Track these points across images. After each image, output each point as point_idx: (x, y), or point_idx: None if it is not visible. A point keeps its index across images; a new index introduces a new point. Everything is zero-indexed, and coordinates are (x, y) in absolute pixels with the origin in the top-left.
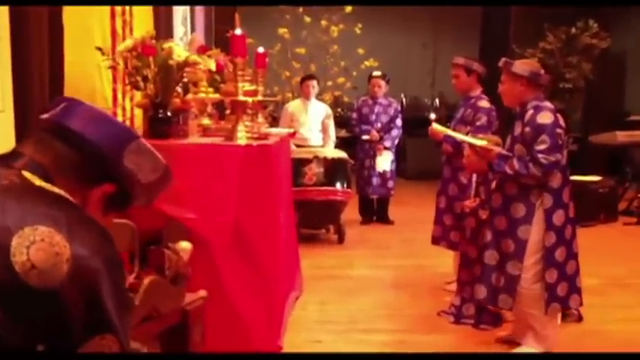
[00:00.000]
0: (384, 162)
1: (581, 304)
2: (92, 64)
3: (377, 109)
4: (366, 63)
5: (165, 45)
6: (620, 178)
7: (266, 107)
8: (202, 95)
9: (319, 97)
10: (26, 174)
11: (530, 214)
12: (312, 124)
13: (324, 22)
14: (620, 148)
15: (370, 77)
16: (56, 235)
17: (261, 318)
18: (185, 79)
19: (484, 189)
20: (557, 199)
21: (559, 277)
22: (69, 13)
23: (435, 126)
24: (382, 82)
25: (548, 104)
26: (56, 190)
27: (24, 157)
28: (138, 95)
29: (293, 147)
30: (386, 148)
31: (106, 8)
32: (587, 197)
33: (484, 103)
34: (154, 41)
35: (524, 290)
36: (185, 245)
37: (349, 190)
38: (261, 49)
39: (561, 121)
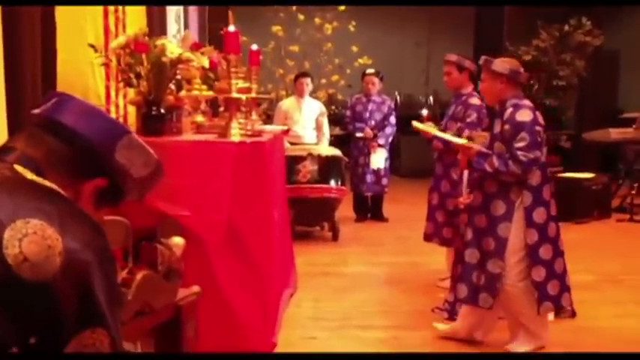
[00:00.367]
0: (378, 159)
1: (571, 302)
2: (85, 61)
3: (371, 106)
4: (360, 61)
5: (159, 42)
6: (614, 175)
7: (260, 105)
8: (196, 92)
9: (313, 94)
10: (18, 168)
11: (510, 211)
12: (306, 122)
13: (317, 20)
14: (613, 145)
15: (364, 75)
16: (48, 229)
17: (255, 315)
18: (178, 77)
19: None
20: (537, 196)
21: (548, 275)
22: (61, 10)
23: (415, 124)
24: (376, 80)
25: (527, 102)
26: (48, 183)
27: (16, 151)
28: (131, 92)
29: (287, 144)
30: (380, 146)
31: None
32: (580, 194)
33: (475, 100)
34: (146, 38)
35: (510, 288)
36: (178, 240)
37: (343, 187)
38: (254, 47)
39: (540, 119)
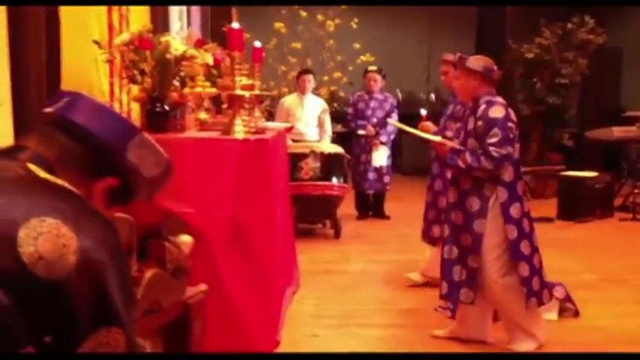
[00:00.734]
0: (380, 157)
1: (550, 298)
2: (89, 58)
3: (373, 104)
4: (362, 58)
5: (163, 39)
6: (617, 173)
7: (262, 102)
8: (199, 89)
9: (315, 91)
10: (31, 166)
11: (484, 207)
12: (309, 119)
13: (320, 17)
14: (616, 144)
15: (366, 72)
16: (63, 227)
17: (258, 313)
18: (182, 73)
19: None
20: (512, 192)
21: (531, 270)
22: (66, 7)
23: (390, 121)
24: (378, 77)
25: (499, 99)
26: (60, 182)
27: (28, 150)
28: (135, 89)
29: (289, 142)
30: (382, 143)
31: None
32: (583, 193)
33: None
34: (151, 35)
35: (493, 284)
36: (186, 238)
37: (345, 185)
38: (257, 44)
39: (513, 116)
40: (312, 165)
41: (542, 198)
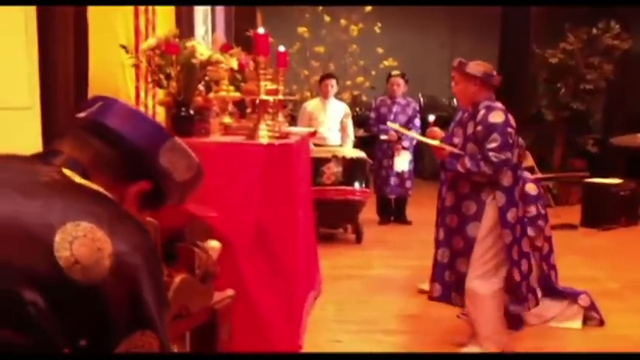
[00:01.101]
0: (402, 162)
1: (536, 304)
2: (116, 62)
3: (395, 108)
4: (385, 62)
5: (189, 44)
6: None
7: (286, 106)
8: (224, 94)
9: (337, 96)
10: (66, 171)
11: (480, 211)
12: (331, 124)
13: (343, 22)
14: None
15: (389, 76)
16: (98, 231)
17: (281, 317)
18: (207, 78)
19: None
20: (510, 197)
21: (521, 276)
22: (93, 12)
23: (389, 123)
24: (401, 81)
25: (499, 104)
26: (95, 186)
27: (63, 155)
28: (160, 93)
29: (311, 146)
30: (404, 148)
31: (130, 7)
32: (607, 200)
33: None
34: (177, 40)
35: (471, 285)
36: (214, 244)
37: (367, 189)
38: (282, 48)
39: (512, 121)
40: (334, 170)
41: (565, 205)
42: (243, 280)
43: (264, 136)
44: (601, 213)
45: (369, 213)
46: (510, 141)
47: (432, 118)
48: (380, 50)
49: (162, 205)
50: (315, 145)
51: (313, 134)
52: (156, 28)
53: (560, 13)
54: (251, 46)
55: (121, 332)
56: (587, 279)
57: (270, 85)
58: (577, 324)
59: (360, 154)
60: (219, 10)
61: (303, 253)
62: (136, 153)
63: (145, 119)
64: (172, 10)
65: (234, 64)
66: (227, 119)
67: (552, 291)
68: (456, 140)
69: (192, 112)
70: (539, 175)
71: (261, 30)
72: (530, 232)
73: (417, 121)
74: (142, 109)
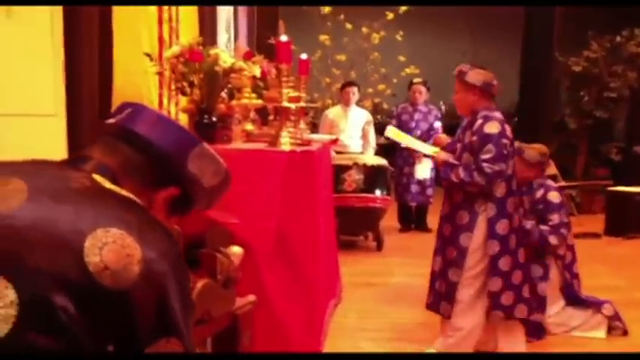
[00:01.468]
0: (424, 170)
1: (528, 314)
2: (139, 70)
3: (417, 116)
4: (407, 70)
5: (212, 51)
6: None
7: (307, 113)
8: (246, 101)
9: (359, 103)
10: (96, 177)
11: (473, 222)
12: (352, 131)
13: (365, 29)
14: None
15: (411, 83)
16: (127, 238)
17: (301, 324)
18: (230, 85)
19: (527, 198)
20: (501, 208)
21: (504, 286)
22: (118, 20)
23: (390, 128)
24: (423, 89)
25: (497, 115)
26: (125, 193)
27: (93, 160)
28: (183, 100)
29: (333, 154)
30: (425, 156)
31: (154, 15)
32: (631, 209)
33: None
34: (200, 47)
35: (459, 302)
36: (236, 250)
37: (388, 197)
38: (304, 56)
39: (508, 132)
40: (355, 177)
41: (589, 213)
42: (263, 286)
43: (286, 143)
44: (625, 221)
45: (390, 220)
46: (505, 152)
47: (437, 124)
48: (401, 58)
49: (190, 210)
50: (337, 152)
51: (335, 142)
52: (179, 36)
53: (583, 21)
54: (273, 53)
55: (146, 338)
56: (610, 288)
57: (292, 93)
58: (601, 333)
59: (382, 161)
60: (242, 18)
61: (324, 260)
62: (165, 159)
63: (173, 125)
64: (196, 18)
65: (257, 72)
66: (249, 126)
67: (576, 300)
68: (460, 147)
69: (214, 119)
70: (563, 184)
71: (283, 37)
72: (553, 240)
73: (439, 129)
74: None
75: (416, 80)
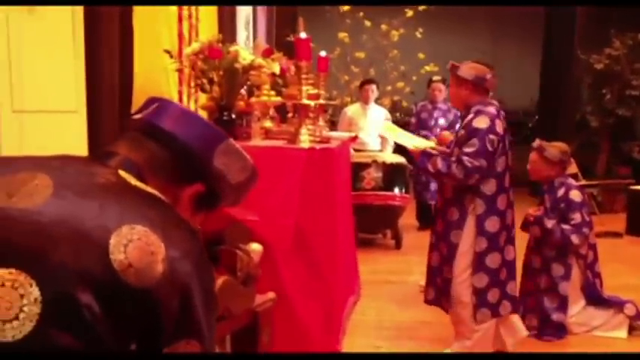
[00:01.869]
0: None
1: (513, 311)
2: (160, 67)
3: (436, 113)
4: (427, 68)
5: (232, 48)
6: None
7: (326, 111)
8: (265, 98)
9: (378, 101)
10: (122, 173)
11: (462, 218)
12: (371, 129)
13: (384, 27)
14: None
15: (430, 81)
16: (152, 235)
17: (320, 322)
18: (249, 82)
19: (549, 197)
20: (491, 205)
21: (490, 283)
22: (138, 18)
23: (387, 123)
24: (442, 87)
25: (490, 110)
26: (150, 190)
27: (118, 156)
28: (203, 97)
29: (352, 151)
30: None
31: (174, 12)
32: None
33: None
34: (220, 45)
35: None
36: (256, 247)
37: (407, 195)
38: (323, 53)
39: (498, 128)
40: (374, 175)
41: (610, 212)
42: (282, 283)
43: (305, 140)
44: None
45: (408, 218)
46: (490, 148)
47: (442, 121)
48: (421, 56)
49: (217, 206)
50: (355, 150)
51: (354, 139)
52: (199, 33)
53: (605, 19)
54: (292, 51)
55: (168, 338)
56: (632, 288)
57: (312, 90)
58: (622, 333)
59: (400, 159)
60: (261, 15)
61: (342, 258)
62: (190, 155)
63: (199, 121)
64: (215, 16)
65: (276, 69)
66: (268, 123)
67: (597, 300)
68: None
69: (234, 116)
70: (584, 182)
71: (303, 35)
72: (575, 239)
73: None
74: None
75: (435, 78)
